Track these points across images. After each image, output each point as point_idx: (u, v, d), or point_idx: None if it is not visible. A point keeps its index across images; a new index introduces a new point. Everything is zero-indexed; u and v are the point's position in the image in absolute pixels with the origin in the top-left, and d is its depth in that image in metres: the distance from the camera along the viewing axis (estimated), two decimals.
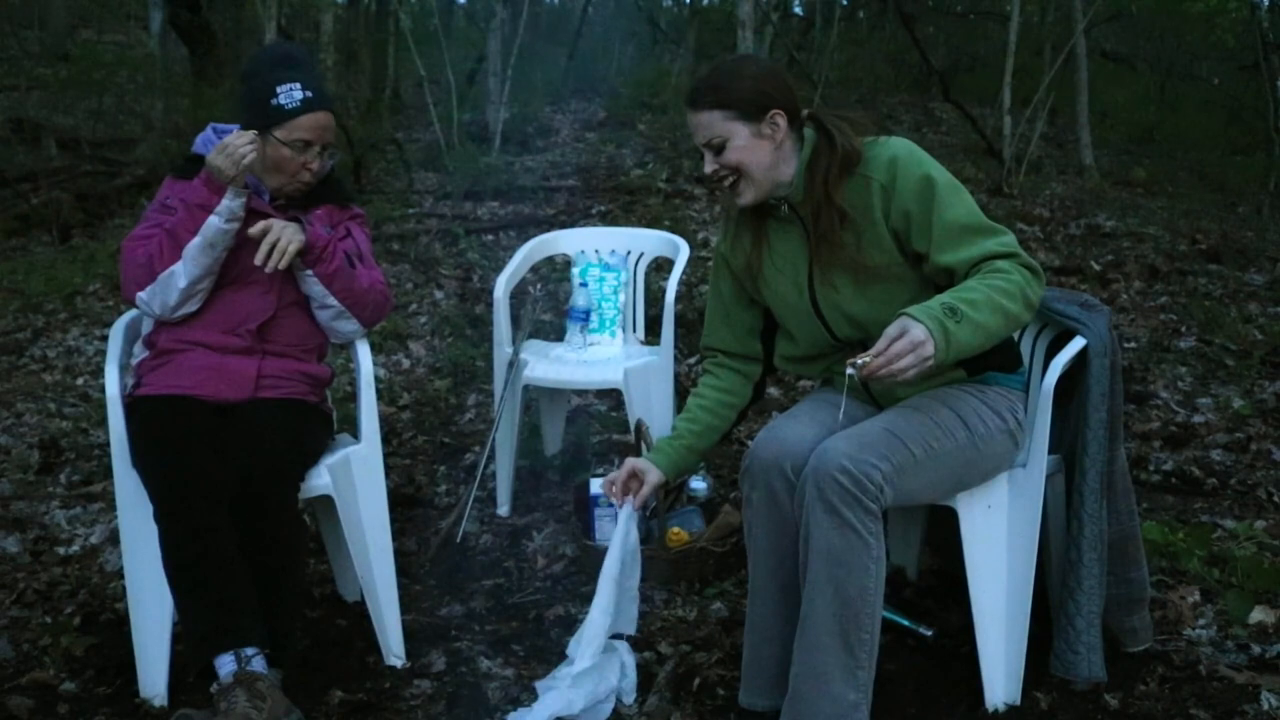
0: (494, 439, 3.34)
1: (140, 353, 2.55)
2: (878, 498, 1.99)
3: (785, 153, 2.14)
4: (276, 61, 2.47)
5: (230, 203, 2.36)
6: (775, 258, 2.24)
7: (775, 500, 2.14)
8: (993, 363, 2.23)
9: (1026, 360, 2.43)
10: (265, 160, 2.45)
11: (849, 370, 1.89)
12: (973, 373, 2.21)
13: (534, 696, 2.34)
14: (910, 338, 1.85)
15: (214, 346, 2.47)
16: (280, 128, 2.41)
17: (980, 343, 1.93)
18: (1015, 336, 2.39)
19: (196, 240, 2.37)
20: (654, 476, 2.33)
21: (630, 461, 2.35)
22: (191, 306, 2.45)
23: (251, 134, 2.36)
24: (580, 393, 4.22)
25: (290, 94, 2.41)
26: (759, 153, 2.12)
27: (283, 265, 2.35)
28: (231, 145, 2.33)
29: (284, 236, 2.35)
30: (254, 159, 2.34)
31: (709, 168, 2.15)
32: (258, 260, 2.34)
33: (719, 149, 2.12)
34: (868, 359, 1.87)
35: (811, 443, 2.12)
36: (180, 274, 2.39)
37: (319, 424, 2.58)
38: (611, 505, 2.98)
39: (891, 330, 1.87)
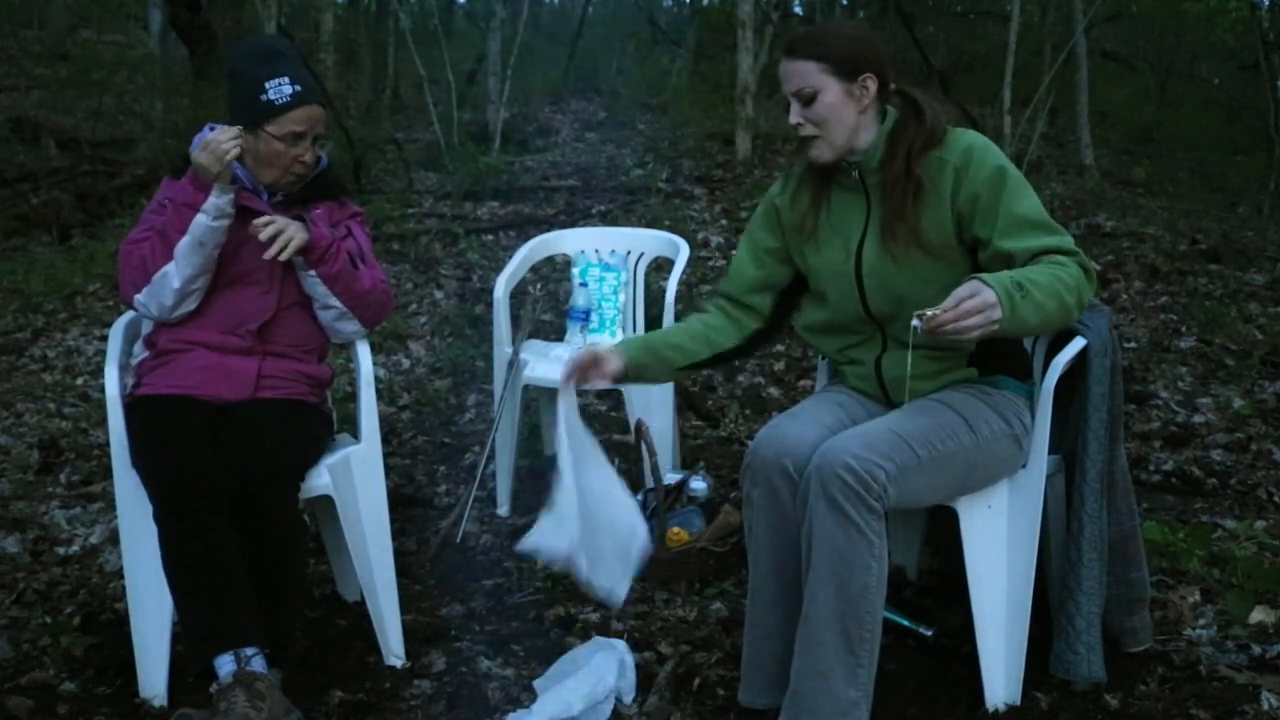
0: (494, 439, 3.34)
1: (140, 352, 2.54)
2: (881, 496, 1.99)
3: (867, 118, 2.16)
4: (261, 56, 2.45)
5: (216, 200, 2.35)
6: (832, 219, 2.26)
7: (776, 498, 2.14)
8: (1005, 366, 2.23)
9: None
10: (259, 155, 2.44)
11: (915, 322, 1.88)
12: (984, 372, 2.22)
13: (534, 696, 2.34)
14: (982, 299, 1.84)
15: (214, 346, 2.46)
16: (271, 123, 2.40)
17: (1038, 323, 1.93)
18: (1028, 346, 2.40)
19: (185, 239, 2.36)
20: (615, 364, 2.25)
21: (594, 348, 2.29)
22: (188, 306, 2.44)
23: (235, 130, 2.35)
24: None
25: (279, 89, 2.39)
26: (845, 111, 2.13)
27: (284, 257, 2.35)
28: (214, 141, 2.31)
29: (288, 230, 2.35)
30: (237, 154, 2.33)
31: (794, 119, 2.16)
32: (263, 240, 2.32)
33: (808, 100, 2.14)
34: (936, 311, 1.86)
35: (813, 441, 2.12)
36: (173, 274, 2.38)
37: (319, 424, 2.57)
38: None
39: (962, 290, 1.87)
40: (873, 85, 2.14)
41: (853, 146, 2.17)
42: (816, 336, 2.38)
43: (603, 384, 2.29)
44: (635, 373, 2.30)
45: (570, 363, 2.26)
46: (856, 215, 2.23)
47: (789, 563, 2.13)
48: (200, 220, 2.35)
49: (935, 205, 2.12)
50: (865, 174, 2.20)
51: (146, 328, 2.55)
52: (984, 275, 1.89)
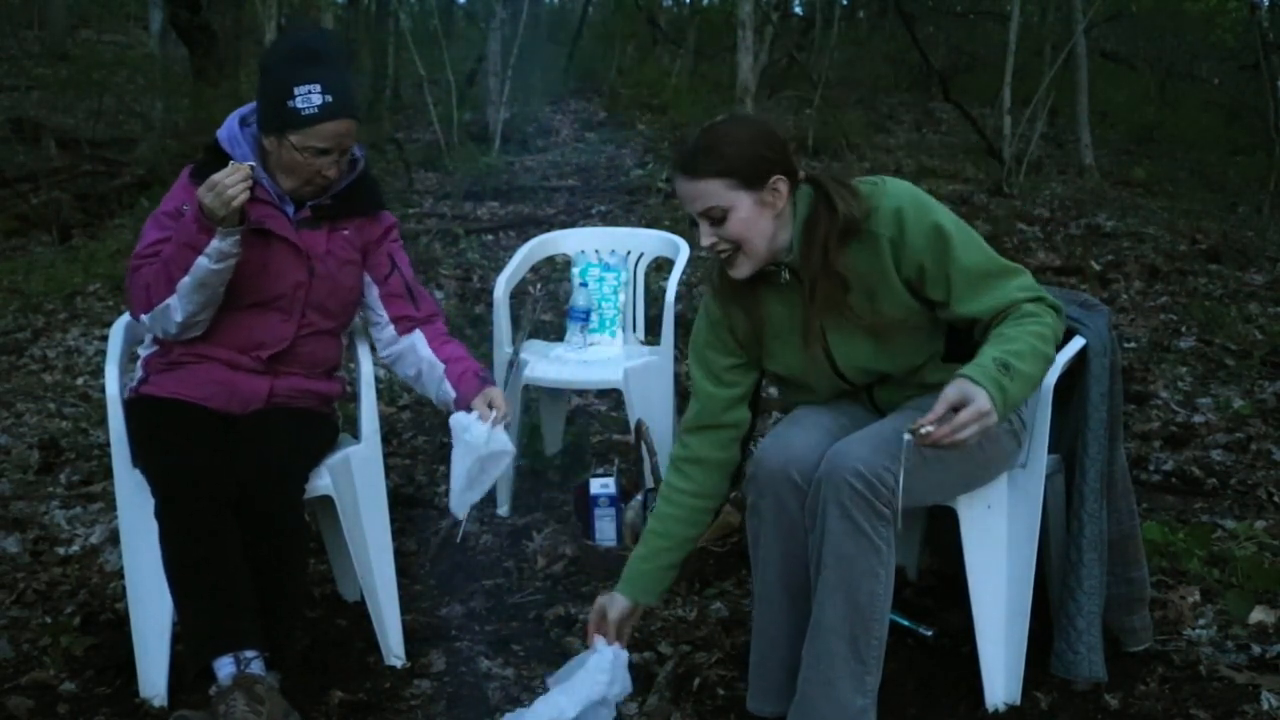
0: None
1: (149, 347, 2.48)
2: (890, 501, 1.97)
3: (784, 219, 2.02)
4: (297, 56, 2.27)
5: (220, 244, 2.20)
6: (775, 326, 2.14)
7: (783, 507, 2.11)
8: None
9: None
10: (280, 161, 2.33)
11: (906, 437, 1.83)
12: None
13: (534, 696, 2.33)
14: (976, 407, 1.79)
15: (227, 363, 2.40)
16: (295, 132, 2.26)
17: (1026, 394, 1.91)
18: None
19: (187, 279, 2.24)
20: (618, 608, 2.17)
21: (598, 602, 2.20)
22: (194, 333, 2.36)
23: (245, 169, 2.17)
24: (580, 393, 4.22)
25: (308, 97, 2.22)
26: (761, 223, 1.99)
27: None
28: (221, 185, 2.14)
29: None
30: (245, 198, 2.17)
31: (706, 240, 2.00)
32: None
33: (719, 220, 1.98)
34: (930, 429, 1.80)
35: (818, 448, 2.09)
36: (175, 308, 2.29)
37: (324, 429, 2.54)
38: (612, 505, 2.99)
39: (951, 395, 1.81)
40: (784, 186, 1.99)
41: (775, 251, 2.03)
42: (805, 405, 2.28)
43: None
44: (656, 597, 2.27)
45: (592, 624, 2.20)
46: (801, 313, 2.09)
47: (796, 571, 2.11)
48: (201, 263, 2.22)
49: (883, 285, 2.01)
50: (796, 271, 2.07)
51: None
52: (969, 370, 1.84)
